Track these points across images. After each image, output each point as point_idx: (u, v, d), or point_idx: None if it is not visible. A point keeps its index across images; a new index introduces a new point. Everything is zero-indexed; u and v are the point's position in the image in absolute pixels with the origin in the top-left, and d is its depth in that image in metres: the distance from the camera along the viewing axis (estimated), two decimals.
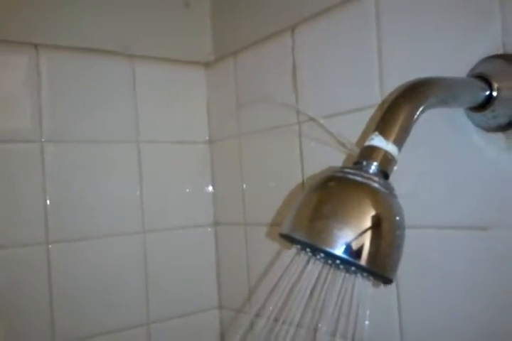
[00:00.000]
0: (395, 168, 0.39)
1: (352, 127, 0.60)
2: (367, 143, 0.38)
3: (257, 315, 0.44)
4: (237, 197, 0.83)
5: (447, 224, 0.52)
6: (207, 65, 0.90)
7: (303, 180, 0.70)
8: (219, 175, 0.89)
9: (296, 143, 0.71)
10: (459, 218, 0.51)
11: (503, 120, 0.46)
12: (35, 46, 0.72)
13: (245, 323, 0.47)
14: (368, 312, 0.39)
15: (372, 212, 0.35)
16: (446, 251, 0.52)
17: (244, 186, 0.82)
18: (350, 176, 0.36)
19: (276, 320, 0.40)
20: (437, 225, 0.53)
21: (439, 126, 0.52)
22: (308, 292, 0.39)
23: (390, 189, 0.36)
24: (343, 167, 0.37)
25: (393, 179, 0.55)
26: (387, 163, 0.37)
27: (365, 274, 0.37)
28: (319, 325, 0.40)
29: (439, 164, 0.53)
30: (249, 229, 0.81)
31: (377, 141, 0.37)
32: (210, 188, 0.90)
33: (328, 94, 0.65)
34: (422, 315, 0.55)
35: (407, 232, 0.39)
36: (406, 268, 0.55)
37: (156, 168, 0.83)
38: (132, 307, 0.80)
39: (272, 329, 0.41)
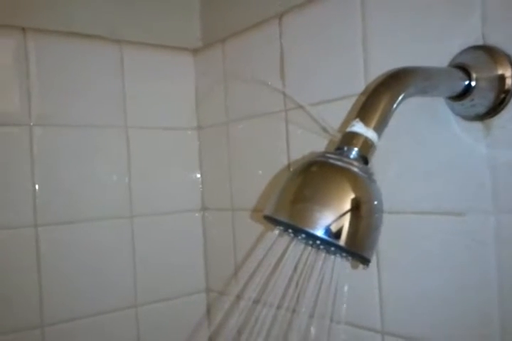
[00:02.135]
0: (377, 154, 0.40)
1: (337, 114, 0.61)
2: (348, 130, 0.39)
3: (239, 297, 0.45)
4: (224, 183, 0.84)
5: (426, 210, 0.54)
6: (195, 51, 0.90)
7: (289, 166, 0.71)
8: (207, 161, 0.89)
9: (282, 130, 0.72)
10: (437, 204, 0.53)
11: (480, 109, 0.48)
12: (23, 29, 0.72)
13: (229, 305, 0.48)
14: (345, 293, 0.41)
15: (352, 196, 0.36)
16: (424, 236, 0.54)
17: (232, 172, 0.83)
18: (332, 161, 0.37)
19: (256, 301, 0.42)
20: (416, 210, 0.55)
21: (421, 114, 0.54)
22: (289, 273, 0.41)
23: (369, 174, 0.38)
24: (325, 152, 0.39)
25: (375, 165, 0.57)
26: (367, 148, 0.38)
27: (344, 254, 0.38)
28: (298, 306, 0.41)
29: (420, 151, 0.54)
30: (236, 214, 0.82)
31: (358, 127, 0.38)
32: (198, 174, 0.91)
33: (315, 82, 0.66)
34: (401, 295, 0.57)
35: (388, 217, 0.41)
36: (387, 251, 0.57)
37: (144, 153, 0.84)
38: (120, 289, 0.81)
39: (252, 311, 0.43)
